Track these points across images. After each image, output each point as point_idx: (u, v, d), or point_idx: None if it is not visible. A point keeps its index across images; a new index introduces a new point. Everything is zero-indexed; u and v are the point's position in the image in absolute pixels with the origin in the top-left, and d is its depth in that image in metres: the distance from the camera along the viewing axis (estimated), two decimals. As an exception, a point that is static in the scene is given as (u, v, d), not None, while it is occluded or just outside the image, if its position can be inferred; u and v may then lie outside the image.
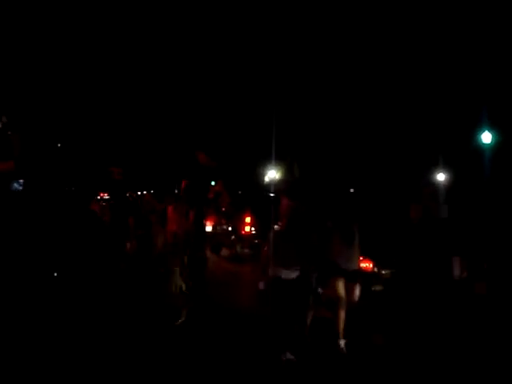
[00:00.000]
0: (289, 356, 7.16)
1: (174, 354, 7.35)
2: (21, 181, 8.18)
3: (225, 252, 19.90)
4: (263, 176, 29.08)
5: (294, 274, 7.39)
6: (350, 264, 8.02)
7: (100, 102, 28.35)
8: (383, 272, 10.93)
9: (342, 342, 7.71)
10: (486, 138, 19.87)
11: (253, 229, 21.07)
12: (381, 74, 29.38)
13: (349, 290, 7.97)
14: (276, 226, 10.26)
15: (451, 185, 26.73)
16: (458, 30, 25.06)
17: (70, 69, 26.42)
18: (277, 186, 26.36)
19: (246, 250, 19.55)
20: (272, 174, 26.90)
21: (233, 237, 20.33)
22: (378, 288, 10.57)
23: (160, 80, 29.87)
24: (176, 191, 11.32)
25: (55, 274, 8.45)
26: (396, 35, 27.77)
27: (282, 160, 27.18)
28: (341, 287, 7.86)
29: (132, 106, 29.37)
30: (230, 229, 20.96)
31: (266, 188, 27.08)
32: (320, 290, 7.85)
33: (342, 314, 7.76)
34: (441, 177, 29.09)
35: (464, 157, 22.86)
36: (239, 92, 30.85)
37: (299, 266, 7.43)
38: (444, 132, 26.51)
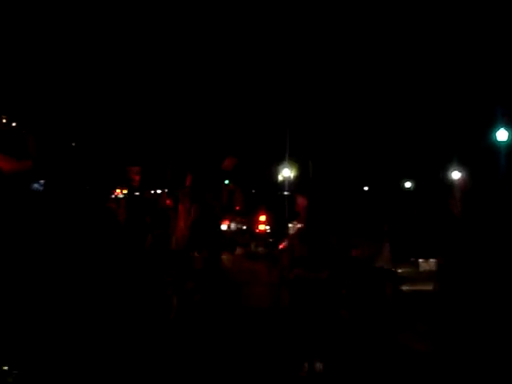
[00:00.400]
0: (318, 365, 6.89)
1: (189, 355, 7.34)
2: (41, 181, 8.18)
3: (239, 251, 19.85)
4: (277, 175, 29.08)
5: (317, 276, 7.18)
6: (380, 262, 7.80)
7: (116, 100, 28.42)
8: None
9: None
10: (502, 135, 19.76)
11: (267, 227, 21.06)
12: (396, 73, 29.30)
13: (379, 289, 7.77)
14: (291, 225, 10.27)
15: (466, 183, 26.59)
16: (474, 27, 24.92)
17: (84, 67, 26.53)
18: (291, 184, 26.49)
19: (261, 249, 19.47)
20: (286, 173, 26.95)
21: (247, 236, 20.30)
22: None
23: (177, 79, 29.88)
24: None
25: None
26: (410, 34, 27.67)
27: (296, 159, 27.24)
28: None
29: (149, 104, 29.39)
30: (244, 227, 20.94)
31: (280, 186, 27.13)
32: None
33: None
34: (456, 175, 28.95)
35: (480, 155, 22.72)
36: (254, 91, 30.84)
37: (322, 267, 7.22)
38: (459, 130, 26.40)
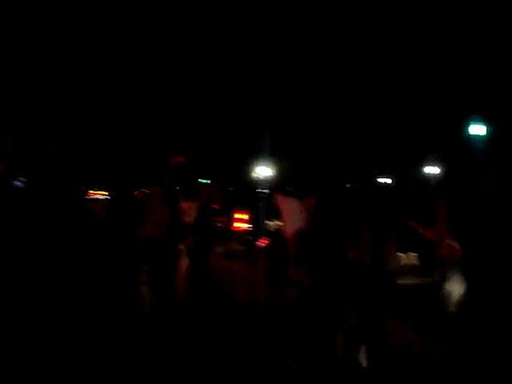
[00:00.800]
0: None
1: (170, 355, 7.23)
2: (22, 179, 8.09)
3: (218, 249, 19.82)
4: (254, 172, 28.99)
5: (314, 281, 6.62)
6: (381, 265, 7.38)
7: (91, 100, 28.18)
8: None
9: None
10: (478, 130, 19.89)
11: (246, 225, 21.07)
12: (373, 70, 29.39)
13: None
14: (270, 223, 10.21)
15: (443, 177, 26.81)
16: (448, 24, 25.08)
17: (57, 67, 26.29)
18: (270, 182, 26.45)
19: (240, 247, 19.51)
20: (264, 171, 26.87)
21: (226, 234, 20.29)
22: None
23: (148, 75, 29.68)
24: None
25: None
26: (385, 30, 27.79)
27: (273, 156, 27.16)
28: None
29: (125, 103, 29.16)
30: (223, 226, 20.91)
31: (258, 184, 27.05)
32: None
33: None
34: (433, 169, 29.18)
35: (456, 149, 22.88)
36: (229, 89, 30.75)
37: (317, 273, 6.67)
38: (437, 125, 26.56)
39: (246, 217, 21.50)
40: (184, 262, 9.18)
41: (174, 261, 9.18)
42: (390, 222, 7.49)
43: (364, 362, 6.74)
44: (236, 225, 21.16)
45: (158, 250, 9.07)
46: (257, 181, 27.41)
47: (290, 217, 9.58)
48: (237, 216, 20.96)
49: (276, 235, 9.91)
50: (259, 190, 25.67)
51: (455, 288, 7.75)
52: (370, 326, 6.73)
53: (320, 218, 6.90)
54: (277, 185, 21.72)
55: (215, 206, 13.86)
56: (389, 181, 32.40)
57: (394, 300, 6.92)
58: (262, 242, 12.17)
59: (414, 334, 8.43)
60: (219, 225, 21.00)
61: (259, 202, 21.77)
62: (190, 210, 11.29)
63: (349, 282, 6.59)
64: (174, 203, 10.14)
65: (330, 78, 30.22)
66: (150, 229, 9.43)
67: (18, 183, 7.96)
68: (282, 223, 9.76)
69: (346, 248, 6.77)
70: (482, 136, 19.87)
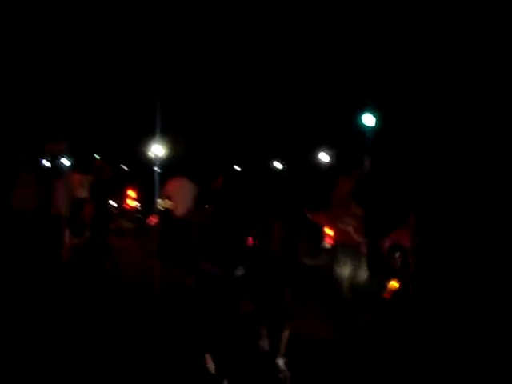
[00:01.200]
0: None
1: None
2: None
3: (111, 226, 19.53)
4: (148, 150, 28.60)
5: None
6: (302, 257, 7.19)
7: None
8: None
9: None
10: (369, 120, 20.40)
11: (136, 203, 20.78)
12: (260, 56, 29.55)
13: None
14: (161, 201, 10.13)
15: (333, 165, 27.48)
16: (338, 10, 25.56)
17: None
18: (163, 161, 26.17)
19: (129, 224, 19.28)
20: (157, 150, 26.54)
21: (117, 211, 19.96)
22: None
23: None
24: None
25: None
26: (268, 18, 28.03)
27: (168, 135, 26.89)
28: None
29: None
30: (112, 202, 20.53)
31: (152, 162, 26.73)
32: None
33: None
34: (324, 157, 29.86)
35: (347, 138, 23.45)
36: (120, 63, 30.12)
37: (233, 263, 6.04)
38: (327, 113, 27.13)
39: (136, 195, 21.25)
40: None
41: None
42: (298, 208, 7.45)
43: (266, 346, 6.74)
44: (129, 203, 20.89)
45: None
46: (152, 160, 27.06)
47: (181, 197, 9.57)
48: (128, 194, 20.68)
49: (166, 214, 9.87)
50: (154, 169, 25.38)
51: (345, 272, 7.79)
52: (269, 310, 6.68)
53: (225, 203, 6.40)
54: (171, 164, 21.58)
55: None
56: (280, 166, 32.89)
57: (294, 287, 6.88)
58: (152, 221, 12.07)
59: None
60: (111, 202, 20.71)
61: (152, 181, 21.54)
62: (81, 183, 11.09)
63: (253, 270, 6.39)
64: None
65: (226, 62, 30.23)
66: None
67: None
68: (172, 203, 9.73)
69: (248, 236, 6.53)
70: (371, 127, 20.41)
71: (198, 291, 6.08)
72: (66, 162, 20.43)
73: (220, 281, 5.87)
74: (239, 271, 6.00)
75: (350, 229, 7.74)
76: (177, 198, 9.63)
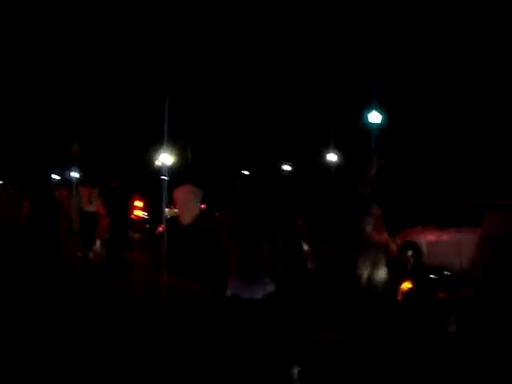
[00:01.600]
0: None
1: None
2: None
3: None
4: (155, 159, 28.49)
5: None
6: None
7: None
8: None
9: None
10: (375, 117, 20.24)
11: (143, 213, 20.65)
12: (271, 57, 29.49)
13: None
14: (168, 210, 10.00)
15: (342, 165, 27.30)
16: (344, 9, 25.44)
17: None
18: (170, 169, 26.02)
19: (137, 235, 19.12)
20: (164, 158, 26.39)
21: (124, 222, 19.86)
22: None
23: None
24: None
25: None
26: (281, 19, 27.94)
27: (175, 143, 26.80)
28: None
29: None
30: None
31: (159, 171, 26.60)
32: None
33: None
34: (332, 157, 29.61)
35: (353, 137, 23.27)
36: (130, 70, 30.12)
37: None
38: (334, 113, 26.93)
39: (143, 205, 21.14)
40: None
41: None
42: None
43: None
44: (136, 213, 20.77)
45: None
46: (160, 168, 26.93)
47: (186, 205, 9.46)
48: (136, 204, 20.58)
49: (172, 222, 9.77)
50: (162, 178, 25.24)
51: (364, 272, 7.70)
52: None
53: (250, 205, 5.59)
54: (179, 173, 21.45)
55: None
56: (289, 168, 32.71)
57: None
58: (160, 231, 11.98)
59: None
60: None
61: (160, 189, 21.42)
62: (90, 198, 11.00)
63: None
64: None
65: (230, 68, 30.17)
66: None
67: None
68: (178, 210, 9.62)
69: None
70: (378, 124, 20.25)
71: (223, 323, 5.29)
72: (74, 174, 20.42)
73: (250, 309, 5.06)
74: (269, 287, 5.18)
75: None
76: (182, 206, 9.54)
